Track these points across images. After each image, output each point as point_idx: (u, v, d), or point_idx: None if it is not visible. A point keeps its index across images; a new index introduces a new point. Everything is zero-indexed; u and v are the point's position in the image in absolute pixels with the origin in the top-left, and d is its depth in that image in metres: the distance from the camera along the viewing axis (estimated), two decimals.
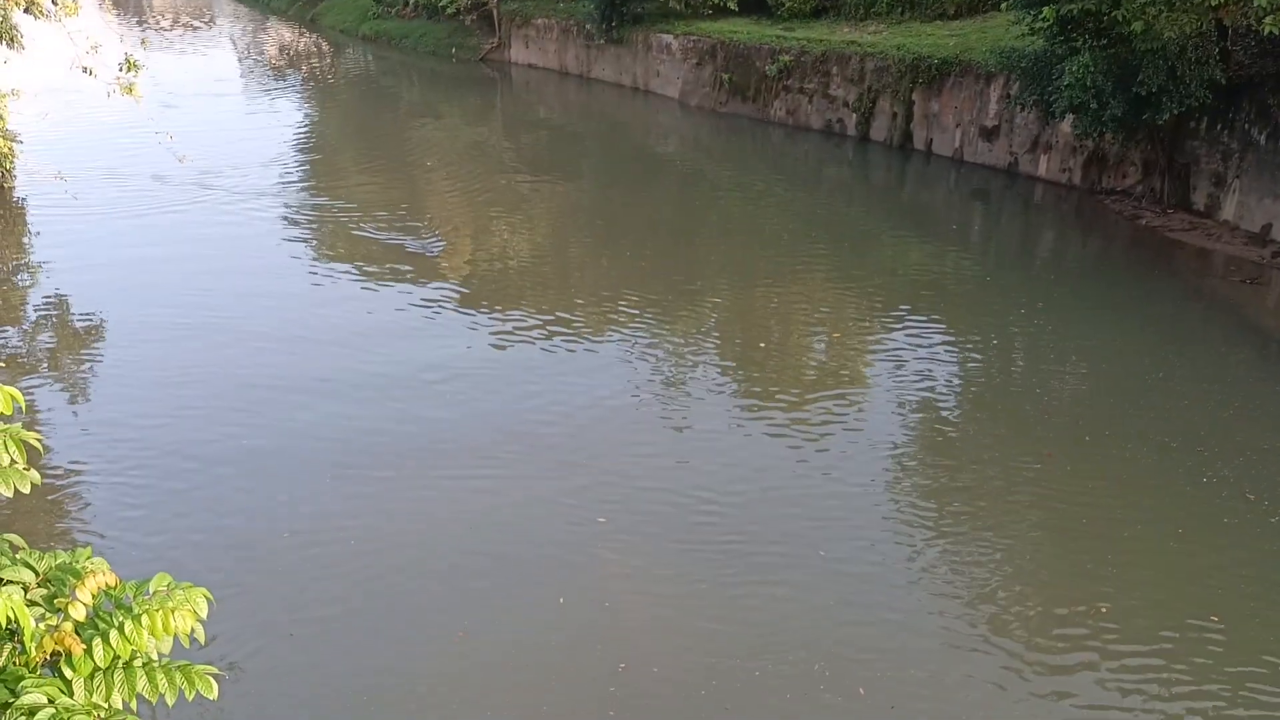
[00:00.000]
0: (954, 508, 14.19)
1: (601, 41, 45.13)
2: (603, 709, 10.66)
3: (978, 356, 19.43)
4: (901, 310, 21.00)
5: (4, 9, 23.74)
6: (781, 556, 12.99)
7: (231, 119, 39.94)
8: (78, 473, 14.66)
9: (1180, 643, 11.55)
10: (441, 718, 10.61)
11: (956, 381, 18.36)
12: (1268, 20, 20.74)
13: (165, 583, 5.11)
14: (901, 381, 17.86)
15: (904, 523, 13.76)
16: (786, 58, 36.68)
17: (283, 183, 30.11)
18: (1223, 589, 12.46)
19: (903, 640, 11.63)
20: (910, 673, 11.14)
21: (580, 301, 21.29)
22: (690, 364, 18.66)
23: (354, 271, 22.66)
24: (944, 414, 17.25)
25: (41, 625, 4.75)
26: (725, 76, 39.18)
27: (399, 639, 11.63)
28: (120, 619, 4.85)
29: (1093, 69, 24.26)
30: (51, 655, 4.76)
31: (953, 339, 19.83)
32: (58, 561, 5.15)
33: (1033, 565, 13.05)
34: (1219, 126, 25.30)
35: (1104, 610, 11.98)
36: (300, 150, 35.27)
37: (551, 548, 13.21)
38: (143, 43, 29.49)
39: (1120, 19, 23.14)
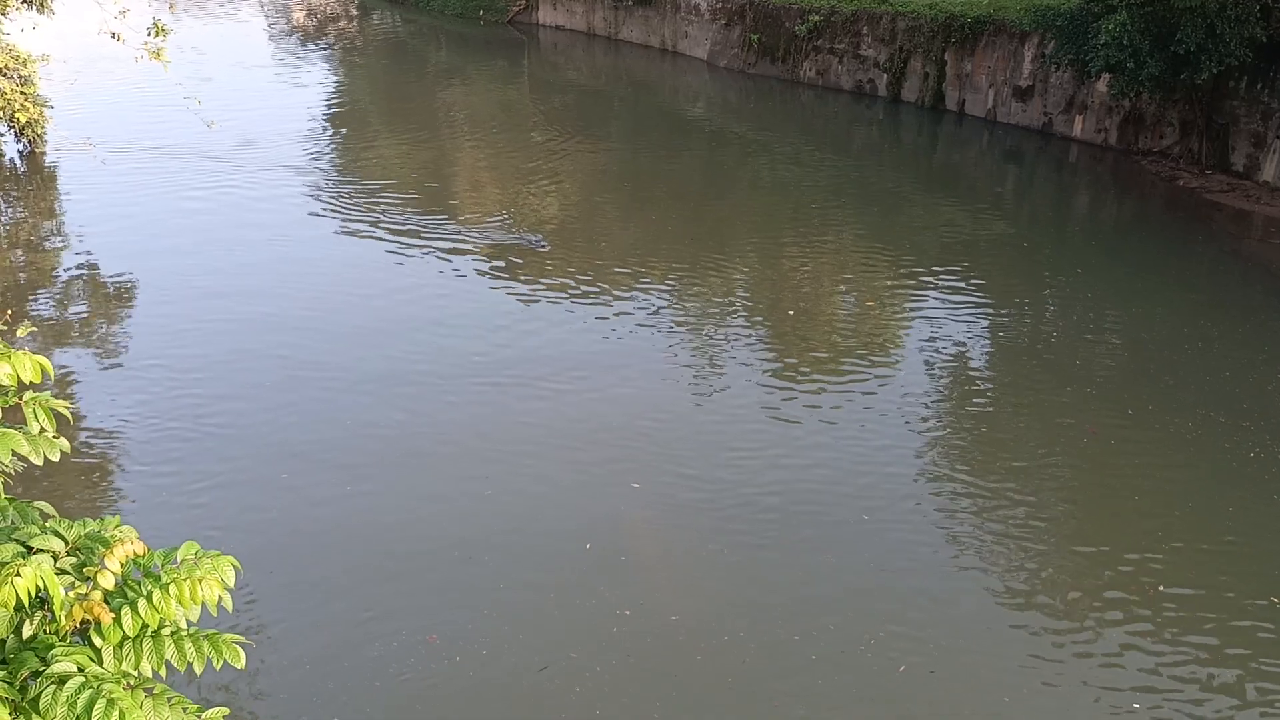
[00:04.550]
0: (997, 483, 14.00)
1: (629, 2, 44.68)
2: (594, 645, 10.92)
3: (1013, 323, 19.20)
4: (934, 275, 20.78)
5: None
6: (817, 521, 12.96)
7: (260, 84, 39.87)
8: (107, 440, 14.77)
9: (1239, 627, 11.33)
10: (439, 634, 10.87)
11: (993, 349, 18.16)
12: None
13: (193, 551, 5.10)
14: (936, 349, 17.67)
15: (946, 497, 13.64)
16: (816, 17, 36.18)
17: (311, 148, 30.06)
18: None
19: (944, 611, 11.55)
20: (952, 643, 11.05)
21: (608, 265, 21.17)
22: (720, 329, 18.54)
23: (382, 238, 22.62)
24: (981, 384, 17.07)
25: (71, 594, 4.76)
26: (754, 37, 38.73)
27: (422, 562, 11.98)
28: (149, 588, 4.84)
29: (1129, 27, 23.78)
30: (81, 624, 4.77)
31: (988, 305, 19.60)
32: (87, 530, 5.15)
33: (1082, 544, 12.82)
34: (1259, 86, 24.79)
35: (1160, 590, 11.81)
36: (329, 116, 35.19)
37: (581, 506, 13.30)
38: (170, 7, 29.38)
39: None
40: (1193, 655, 10.94)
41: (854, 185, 27.96)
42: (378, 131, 33.28)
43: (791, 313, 19.37)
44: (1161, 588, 11.83)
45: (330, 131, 32.83)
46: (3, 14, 23.75)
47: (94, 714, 4.31)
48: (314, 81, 40.68)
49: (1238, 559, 12.44)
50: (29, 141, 27.55)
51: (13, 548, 4.81)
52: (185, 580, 4.88)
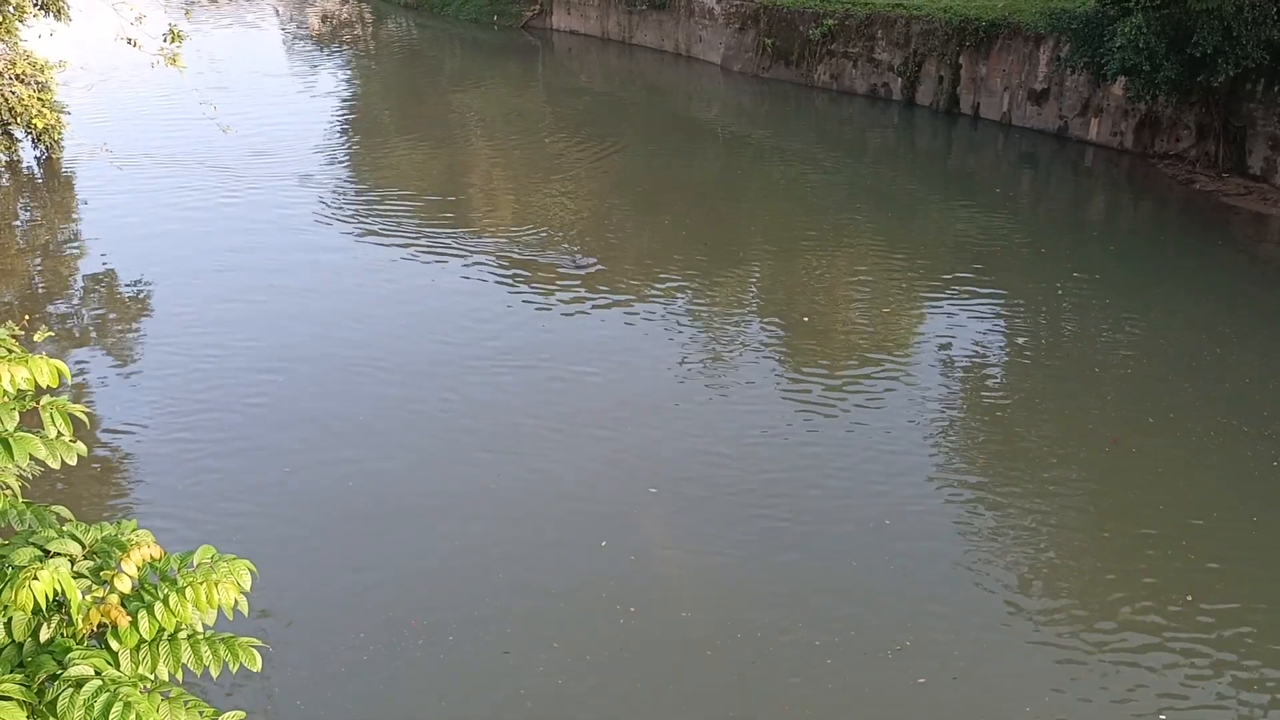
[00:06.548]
0: (1016, 489, 13.90)
1: (643, 7, 44.74)
2: (600, 642, 11.01)
3: (1030, 328, 19.10)
4: (949, 280, 20.70)
5: None
6: (835, 524, 12.93)
7: (276, 90, 40.02)
8: (123, 444, 14.82)
9: (1268, 637, 11.17)
10: (442, 629, 11.00)
11: (1009, 354, 18.07)
12: None
13: (209, 555, 5.10)
14: (952, 354, 17.60)
15: (965, 502, 13.55)
16: (831, 21, 36.16)
17: (327, 154, 30.17)
18: None
19: (966, 618, 11.45)
20: (974, 651, 10.96)
21: (622, 268, 21.17)
22: (735, 333, 18.52)
23: (397, 243, 22.68)
24: (998, 389, 16.99)
25: (88, 598, 4.76)
26: (768, 41, 38.71)
27: (437, 555, 12.00)
28: (165, 591, 4.84)
29: (1145, 30, 23.69)
30: (98, 627, 4.77)
31: (1004, 310, 19.51)
32: (103, 534, 5.15)
33: (1104, 551, 12.67)
34: (1276, 88, 24.66)
35: (1188, 599, 11.66)
36: (344, 122, 35.31)
37: (596, 505, 13.32)
38: (186, 13, 29.55)
39: None
40: (1219, 665, 10.83)
41: (868, 189, 27.90)
42: (393, 138, 33.36)
43: (806, 318, 19.32)
44: (1189, 597, 11.69)
45: (346, 138, 32.95)
46: (19, 20, 23.89)
47: (111, 717, 4.30)
48: (329, 88, 40.84)
49: (1264, 569, 12.28)
50: (46, 147, 27.69)
51: (30, 551, 4.83)
52: (201, 584, 4.87)
